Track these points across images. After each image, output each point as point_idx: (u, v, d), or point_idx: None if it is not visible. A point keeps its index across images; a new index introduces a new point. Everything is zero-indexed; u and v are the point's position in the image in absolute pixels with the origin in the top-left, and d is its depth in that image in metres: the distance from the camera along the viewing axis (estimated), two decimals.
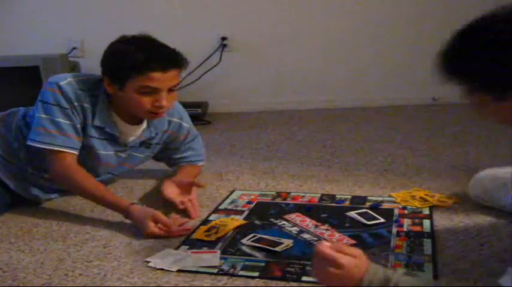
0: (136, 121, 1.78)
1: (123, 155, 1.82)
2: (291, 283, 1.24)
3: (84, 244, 1.51)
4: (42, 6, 3.54)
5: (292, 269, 1.29)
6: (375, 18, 3.43)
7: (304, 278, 1.25)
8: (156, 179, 2.08)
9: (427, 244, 1.40)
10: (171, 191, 1.75)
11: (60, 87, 1.65)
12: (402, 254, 1.35)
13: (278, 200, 1.79)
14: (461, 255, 1.34)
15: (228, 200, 1.81)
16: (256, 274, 1.28)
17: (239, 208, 1.73)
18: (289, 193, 1.86)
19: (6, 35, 3.54)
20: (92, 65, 3.31)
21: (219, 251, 1.40)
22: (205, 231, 1.53)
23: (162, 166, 2.14)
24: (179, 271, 1.32)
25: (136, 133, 1.80)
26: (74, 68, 3.10)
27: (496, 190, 1.57)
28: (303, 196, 1.82)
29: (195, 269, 1.32)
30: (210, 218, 1.66)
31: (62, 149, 1.65)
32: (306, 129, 2.95)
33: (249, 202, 1.78)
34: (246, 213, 1.68)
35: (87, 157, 1.74)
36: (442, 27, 3.50)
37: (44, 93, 1.67)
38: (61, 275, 1.33)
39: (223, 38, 3.42)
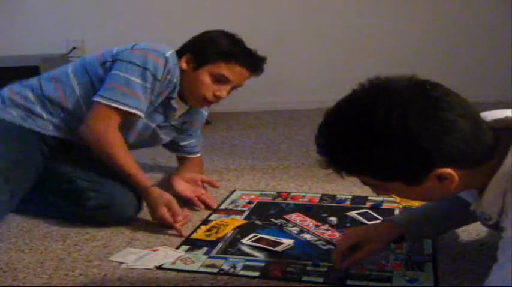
0: (184, 103, 1.81)
1: (158, 131, 1.82)
2: (291, 283, 1.24)
3: (84, 244, 1.51)
4: (42, 6, 3.53)
5: (293, 269, 1.29)
6: (376, 18, 3.42)
7: (304, 278, 1.25)
8: (158, 177, 2.08)
9: (427, 243, 1.40)
10: (182, 188, 1.80)
11: (166, 59, 1.64)
12: (402, 254, 1.35)
13: (278, 200, 1.79)
14: (461, 255, 1.34)
15: (229, 200, 1.81)
16: (256, 274, 1.28)
17: (239, 208, 1.73)
18: (290, 192, 1.85)
19: (6, 35, 3.53)
20: None
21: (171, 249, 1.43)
22: (206, 231, 1.53)
23: (162, 164, 2.14)
24: (179, 270, 1.32)
25: (180, 113, 1.83)
26: None
27: None
28: (304, 196, 1.82)
29: (149, 268, 1.34)
30: (211, 218, 1.66)
31: (137, 112, 1.63)
32: (306, 129, 2.94)
33: (250, 202, 1.78)
34: (246, 213, 1.68)
35: (130, 124, 1.72)
36: (442, 28, 3.52)
37: (146, 59, 1.63)
38: (61, 275, 1.33)
39: None
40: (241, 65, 1.69)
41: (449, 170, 0.95)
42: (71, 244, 1.52)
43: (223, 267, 1.32)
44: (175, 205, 1.58)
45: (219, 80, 1.69)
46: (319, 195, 1.82)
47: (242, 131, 3.00)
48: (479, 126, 0.97)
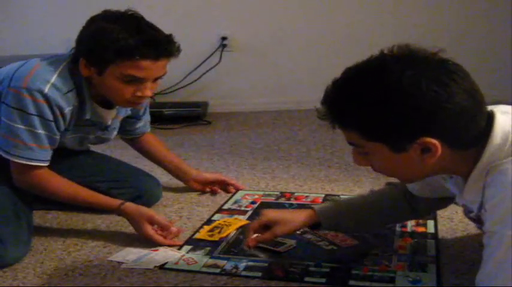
0: (111, 104, 1.60)
1: (102, 135, 1.69)
2: (293, 283, 1.24)
3: (84, 244, 1.50)
4: (42, 6, 3.52)
5: (295, 270, 1.29)
6: (376, 18, 3.42)
7: (306, 279, 1.25)
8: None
9: (431, 244, 1.39)
10: (202, 187, 1.89)
11: (45, 96, 1.41)
12: (405, 255, 1.34)
13: (282, 200, 1.78)
14: (461, 255, 1.34)
15: (232, 200, 1.80)
16: (258, 274, 1.28)
17: (243, 208, 1.72)
18: (293, 193, 1.85)
19: (6, 35, 3.52)
20: None
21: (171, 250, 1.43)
22: (209, 231, 1.52)
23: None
24: (182, 270, 1.31)
25: (113, 115, 1.64)
26: None
27: None
28: (307, 196, 1.81)
29: (149, 268, 1.33)
30: (214, 218, 1.65)
31: (40, 164, 1.47)
32: (306, 129, 2.94)
33: (253, 202, 1.77)
34: (249, 213, 1.67)
35: (70, 142, 1.62)
36: (441, 29, 3.51)
37: (22, 101, 1.41)
38: (61, 275, 1.33)
39: (223, 38, 3.41)
40: (146, 58, 1.39)
41: (435, 141, 0.97)
42: (70, 244, 1.51)
43: (225, 267, 1.31)
44: (157, 218, 1.48)
45: (131, 80, 1.42)
46: (323, 195, 1.81)
47: (242, 131, 3.00)
48: (480, 110, 1.00)
